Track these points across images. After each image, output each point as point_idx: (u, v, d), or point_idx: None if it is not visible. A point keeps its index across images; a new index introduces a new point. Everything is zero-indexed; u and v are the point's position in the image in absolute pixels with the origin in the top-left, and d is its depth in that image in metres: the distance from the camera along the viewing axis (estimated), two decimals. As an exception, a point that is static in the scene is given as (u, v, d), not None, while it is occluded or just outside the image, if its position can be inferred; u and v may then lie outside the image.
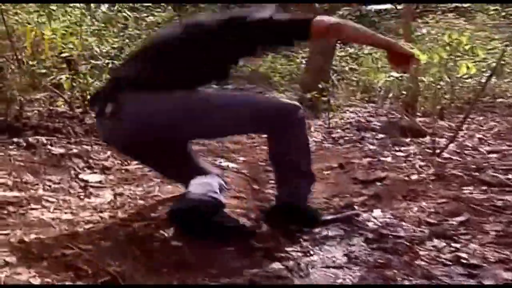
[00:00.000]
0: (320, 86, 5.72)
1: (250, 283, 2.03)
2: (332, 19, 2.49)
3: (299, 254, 2.37)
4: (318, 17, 2.45)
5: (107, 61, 5.41)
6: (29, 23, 5.00)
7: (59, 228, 2.49)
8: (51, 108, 5.16)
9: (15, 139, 3.96)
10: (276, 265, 2.22)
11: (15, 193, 2.91)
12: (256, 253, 2.32)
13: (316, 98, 5.69)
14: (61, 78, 5.23)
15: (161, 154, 2.69)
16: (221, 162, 3.94)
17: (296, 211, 2.61)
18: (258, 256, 2.30)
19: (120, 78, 2.51)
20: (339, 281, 2.09)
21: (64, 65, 5.81)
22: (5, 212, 2.61)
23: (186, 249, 2.31)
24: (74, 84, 5.25)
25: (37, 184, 3.15)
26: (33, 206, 2.75)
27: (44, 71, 5.20)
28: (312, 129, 5.32)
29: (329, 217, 2.73)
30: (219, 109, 2.47)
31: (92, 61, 5.37)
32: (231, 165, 3.91)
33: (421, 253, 2.30)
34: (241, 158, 4.15)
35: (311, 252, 2.38)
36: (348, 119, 5.67)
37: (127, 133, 2.45)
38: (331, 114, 5.76)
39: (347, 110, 6.07)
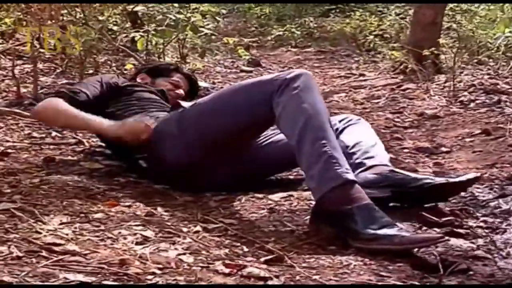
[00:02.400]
0: (440, 41, 5.47)
1: (443, 264, 1.83)
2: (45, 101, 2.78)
3: (486, 230, 2.18)
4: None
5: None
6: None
7: (183, 199, 2.36)
8: (125, 71, 5.03)
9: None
10: (463, 243, 2.03)
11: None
12: (434, 229, 2.14)
13: (435, 56, 5.44)
14: (134, 37, 5.11)
15: None
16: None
17: None
18: (437, 232, 2.11)
19: None
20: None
21: (128, 24, 5.72)
22: (116, 182, 2.49)
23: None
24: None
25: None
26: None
27: (115, 28, 5.09)
28: (432, 92, 5.07)
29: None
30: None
31: (170, 16, 5.20)
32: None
33: None
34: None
35: (501, 229, 2.18)
36: (467, 81, 5.39)
37: None
38: (444, 76, 5.52)
39: (461, 72, 5.77)
